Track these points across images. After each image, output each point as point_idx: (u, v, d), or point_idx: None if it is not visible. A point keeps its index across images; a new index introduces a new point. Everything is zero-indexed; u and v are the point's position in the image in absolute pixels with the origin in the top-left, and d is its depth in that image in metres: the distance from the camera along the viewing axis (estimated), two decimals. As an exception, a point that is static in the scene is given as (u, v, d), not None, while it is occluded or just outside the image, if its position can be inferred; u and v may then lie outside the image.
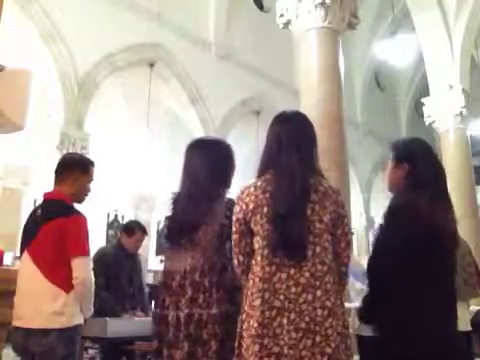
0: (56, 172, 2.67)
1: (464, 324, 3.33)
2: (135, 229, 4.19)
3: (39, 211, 2.59)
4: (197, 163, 2.22)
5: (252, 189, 1.89)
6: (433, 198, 1.94)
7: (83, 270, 2.47)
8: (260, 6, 12.96)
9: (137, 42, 9.70)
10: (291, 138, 1.92)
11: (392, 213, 1.99)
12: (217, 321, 1.99)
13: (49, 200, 2.63)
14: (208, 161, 2.21)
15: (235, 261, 1.93)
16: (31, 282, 2.48)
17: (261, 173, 1.93)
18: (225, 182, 2.25)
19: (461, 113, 9.23)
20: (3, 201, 9.47)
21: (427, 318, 1.84)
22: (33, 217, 2.61)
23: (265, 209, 1.83)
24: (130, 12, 9.64)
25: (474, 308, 4.68)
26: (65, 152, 8.41)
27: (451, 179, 8.59)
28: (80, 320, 2.53)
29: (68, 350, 2.43)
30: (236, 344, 1.84)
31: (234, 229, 1.92)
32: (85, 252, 2.50)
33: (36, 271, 2.46)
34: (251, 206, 1.86)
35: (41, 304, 2.42)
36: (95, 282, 3.92)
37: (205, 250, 2.10)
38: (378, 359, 1.90)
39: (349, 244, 1.90)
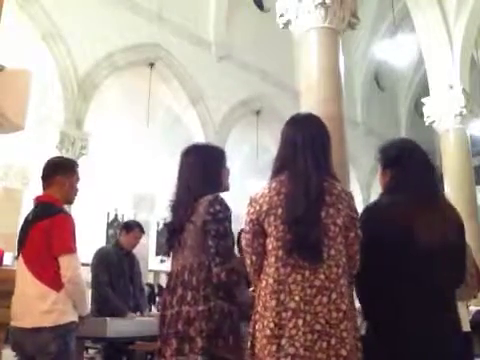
0: (43, 177, 2.72)
1: (463, 324, 3.34)
2: (133, 226, 4.35)
3: (31, 215, 2.67)
4: (187, 169, 2.25)
5: (266, 191, 1.90)
6: (409, 201, 1.94)
7: (70, 268, 2.50)
8: (260, 6, 12.96)
9: (137, 42, 9.70)
10: (306, 141, 1.92)
11: (360, 216, 2.00)
12: (204, 318, 2.01)
13: (40, 204, 2.70)
14: (197, 165, 2.24)
15: (247, 261, 1.93)
16: (23, 283, 2.55)
17: (275, 174, 1.94)
18: (215, 185, 2.26)
19: (461, 113, 9.20)
20: (3, 201, 9.48)
21: (404, 320, 1.84)
22: (25, 221, 2.69)
23: (279, 211, 1.84)
24: (130, 12, 9.65)
25: (473, 308, 4.69)
26: (65, 152, 8.43)
27: (451, 179, 8.67)
28: (73, 317, 2.56)
29: (61, 347, 2.47)
30: (249, 344, 1.85)
31: (247, 229, 1.93)
32: (71, 250, 2.53)
33: (27, 272, 2.53)
34: (265, 207, 1.87)
35: (32, 304, 2.48)
36: (99, 280, 3.99)
37: (192, 249, 2.12)
38: (376, 358, 1.91)
39: (361, 247, 1.90)
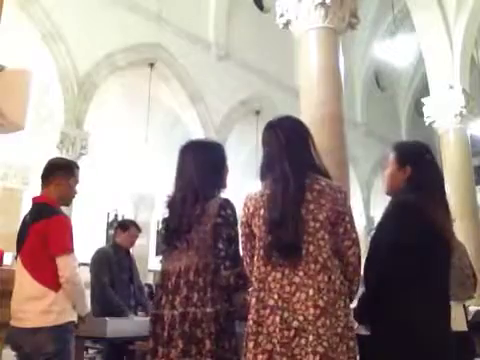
0: (42, 177, 2.72)
1: (460, 324, 3.37)
2: (129, 225, 4.37)
3: (28, 216, 2.68)
4: (191, 165, 2.22)
5: (254, 194, 1.96)
6: (434, 200, 1.98)
7: (68, 268, 2.50)
8: (260, 6, 12.96)
9: (137, 42, 9.70)
10: (280, 145, 1.94)
11: (394, 213, 1.99)
12: (212, 320, 2.01)
13: (36, 204, 2.70)
14: (202, 163, 2.21)
15: (244, 263, 2.00)
16: (21, 283, 2.57)
17: (262, 179, 1.99)
18: (219, 183, 2.26)
19: (461, 113, 9.21)
20: (3, 201, 9.48)
21: (426, 318, 1.85)
22: (23, 222, 2.70)
23: (262, 211, 1.89)
24: (130, 12, 9.65)
25: (473, 308, 4.69)
26: (65, 152, 8.44)
27: (451, 179, 8.66)
28: (71, 318, 2.57)
29: (59, 347, 2.48)
30: (244, 343, 1.86)
31: (240, 232, 2.00)
32: (68, 250, 2.54)
33: (25, 272, 2.54)
34: (251, 210, 1.93)
35: (30, 304, 2.49)
36: (100, 281, 4.00)
37: (198, 249, 2.11)
38: (375, 359, 1.91)
39: (355, 243, 1.89)
